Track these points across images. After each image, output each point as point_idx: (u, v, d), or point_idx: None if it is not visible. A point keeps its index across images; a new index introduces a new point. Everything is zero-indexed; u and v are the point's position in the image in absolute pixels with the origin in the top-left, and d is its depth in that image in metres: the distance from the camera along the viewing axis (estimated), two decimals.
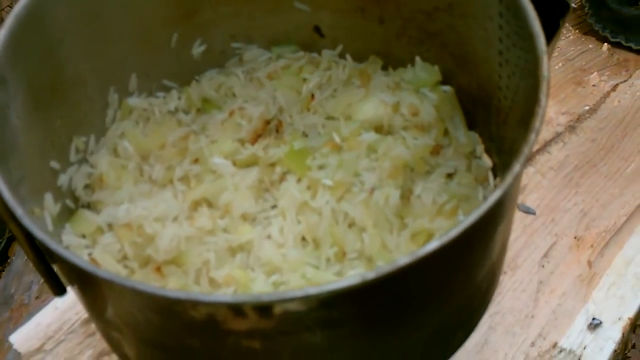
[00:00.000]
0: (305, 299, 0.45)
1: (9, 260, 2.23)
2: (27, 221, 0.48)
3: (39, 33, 0.62)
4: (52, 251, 0.47)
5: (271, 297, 0.45)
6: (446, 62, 0.73)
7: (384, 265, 0.45)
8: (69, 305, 0.88)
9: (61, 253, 0.47)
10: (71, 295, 0.88)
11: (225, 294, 0.55)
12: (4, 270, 2.21)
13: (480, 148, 0.72)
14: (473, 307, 0.60)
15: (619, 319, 0.87)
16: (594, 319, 0.87)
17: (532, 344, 0.85)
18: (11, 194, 0.50)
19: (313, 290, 0.45)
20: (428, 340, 0.57)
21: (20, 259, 2.21)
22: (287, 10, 0.77)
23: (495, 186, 0.49)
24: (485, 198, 0.59)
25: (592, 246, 0.95)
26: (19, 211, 0.49)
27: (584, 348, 0.84)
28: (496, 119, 0.68)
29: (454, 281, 0.53)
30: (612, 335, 0.86)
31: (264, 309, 0.46)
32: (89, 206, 0.70)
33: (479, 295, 0.60)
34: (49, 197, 0.63)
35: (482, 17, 0.64)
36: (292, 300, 0.45)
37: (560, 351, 0.84)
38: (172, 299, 0.46)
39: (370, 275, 0.45)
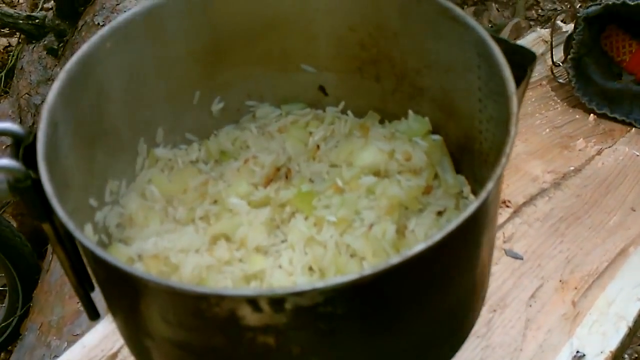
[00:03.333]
0: (313, 292, 0.53)
1: (20, 337, 2.30)
2: (78, 234, 0.57)
3: (85, 88, 0.71)
4: (97, 256, 0.56)
5: (284, 290, 0.54)
6: (435, 113, 0.82)
7: (379, 264, 0.54)
8: (95, 343, 0.96)
9: (103, 256, 0.55)
10: (97, 333, 0.97)
11: (245, 288, 0.62)
12: (16, 346, 2.28)
13: (467, 189, 0.81)
14: (458, 320, 0.68)
15: (601, 352, 0.95)
16: (577, 352, 0.94)
17: None
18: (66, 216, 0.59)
19: (319, 284, 0.53)
20: (419, 344, 0.64)
21: (32, 334, 2.27)
22: (295, 72, 0.87)
23: None
24: None
25: (576, 288, 1.03)
26: (70, 225, 0.58)
27: None
28: (479, 160, 0.77)
29: (440, 285, 0.61)
30: None
31: (277, 302, 0.54)
32: (119, 242, 0.79)
33: (462, 309, 0.68)
34: (89, 228, 0.72)
35: (463, 70, 0.74)
36: (301, 293, 0.54)
37: None
38: (199, 293, 0.54)
39: (367, 271, 0.54)
